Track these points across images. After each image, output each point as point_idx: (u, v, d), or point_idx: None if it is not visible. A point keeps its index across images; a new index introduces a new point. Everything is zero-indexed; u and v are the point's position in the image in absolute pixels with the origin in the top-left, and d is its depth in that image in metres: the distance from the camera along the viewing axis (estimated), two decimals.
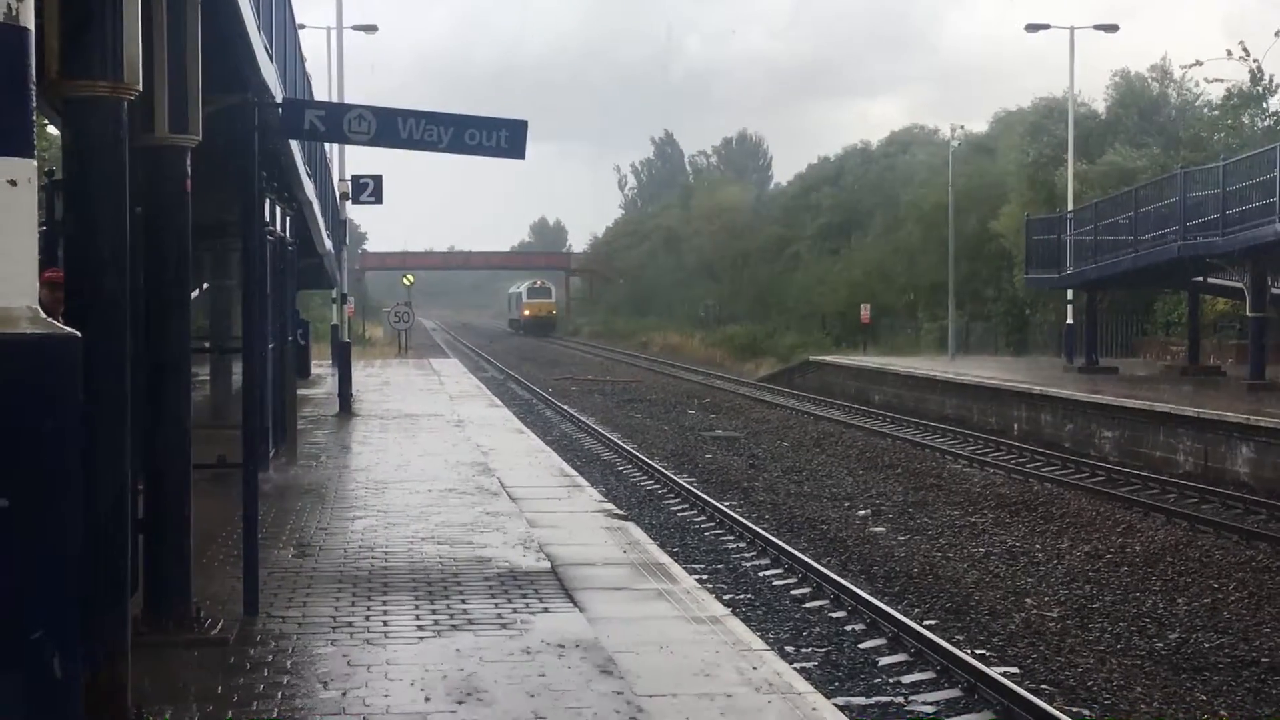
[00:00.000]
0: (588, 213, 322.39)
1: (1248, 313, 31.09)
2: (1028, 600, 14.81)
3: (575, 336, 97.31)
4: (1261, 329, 30.67)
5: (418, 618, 9.89)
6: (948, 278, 48.83)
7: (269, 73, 11.98)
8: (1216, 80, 53.83)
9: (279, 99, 12.42)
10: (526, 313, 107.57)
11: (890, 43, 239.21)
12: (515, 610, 10.17)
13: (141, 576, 8.94)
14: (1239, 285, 31.27)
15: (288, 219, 21.05)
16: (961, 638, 13.17)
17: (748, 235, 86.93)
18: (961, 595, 15.01)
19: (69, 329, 4.37)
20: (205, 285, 21.45)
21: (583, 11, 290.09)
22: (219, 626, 9.32)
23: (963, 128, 57.61)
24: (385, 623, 9.73)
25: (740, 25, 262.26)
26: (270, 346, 18.09)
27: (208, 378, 22.31)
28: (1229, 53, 48.67)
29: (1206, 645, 12.95)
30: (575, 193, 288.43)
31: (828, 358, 50.99)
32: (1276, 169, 28.11)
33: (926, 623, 13.57)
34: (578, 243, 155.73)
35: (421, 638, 9.33)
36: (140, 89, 7.47)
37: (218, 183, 12.68)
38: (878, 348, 55.10)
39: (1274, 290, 31.99)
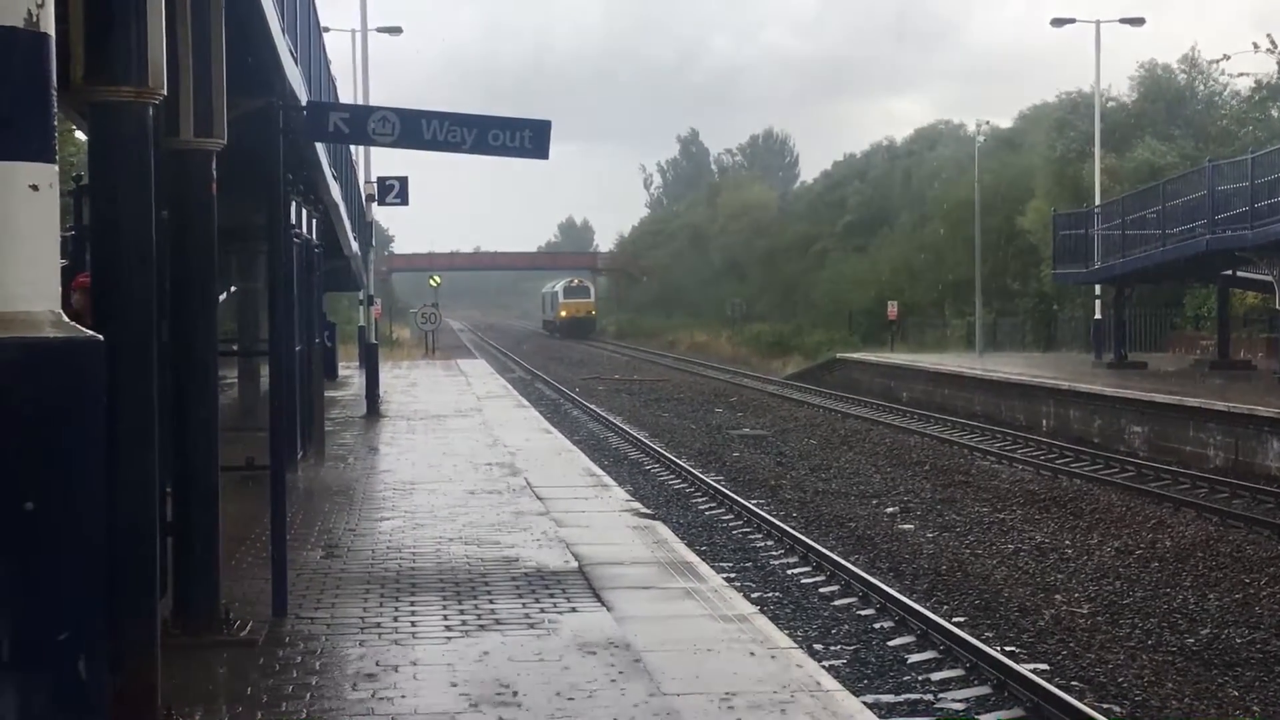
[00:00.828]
0: (614, 212, 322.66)
1: (1277, 306, 30.90)
2: (1057, 597, 14.75)
3: (602, 336, 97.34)
4: None
5: (445, 618, 9.90)
6: (975, 274, 48.70)
7: (294, 75, 12.01)
8: (1243, 74, 53.61)
9: (304, 101, 12.46)
10: (563, 314, 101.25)
11: (916, 39, 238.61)
12: (543, 610, 10.17)
13: (171, 579, 8.97)
14: (1268, 279, 31.07)
15: (314, 221, 21.12)
16: (991, 634, 13.13)
17: (774, 233, 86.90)
18: (990, 592, 14.95)
19: (92, 333, 4.39)
20: (232, 288, 21.52)
21: (608, 11, 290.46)
22: (248, 628, 9.35)
23: (988, 123, 57.48)
24: (413, 623, 9.74)
25: (766, 23, 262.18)
26: (297, 349, 18.13)
27: (235, 380, 22.37)
28: (1256, 46, 48.38)
29: (1238, 641, 12.87)
30: (602, 192, 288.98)
31: (855, 355, 50.90)
32: None
33: (955, 620, 13.52)
34: (604, 242, 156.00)
35: (449, 638, 9.34)
36: (164, 93, 7.49)
37: (244, 185, 12.71)
38: (905, 345, 54.99)
39: None
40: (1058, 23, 42.59)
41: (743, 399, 42.07)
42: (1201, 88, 53.61)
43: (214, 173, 9.45)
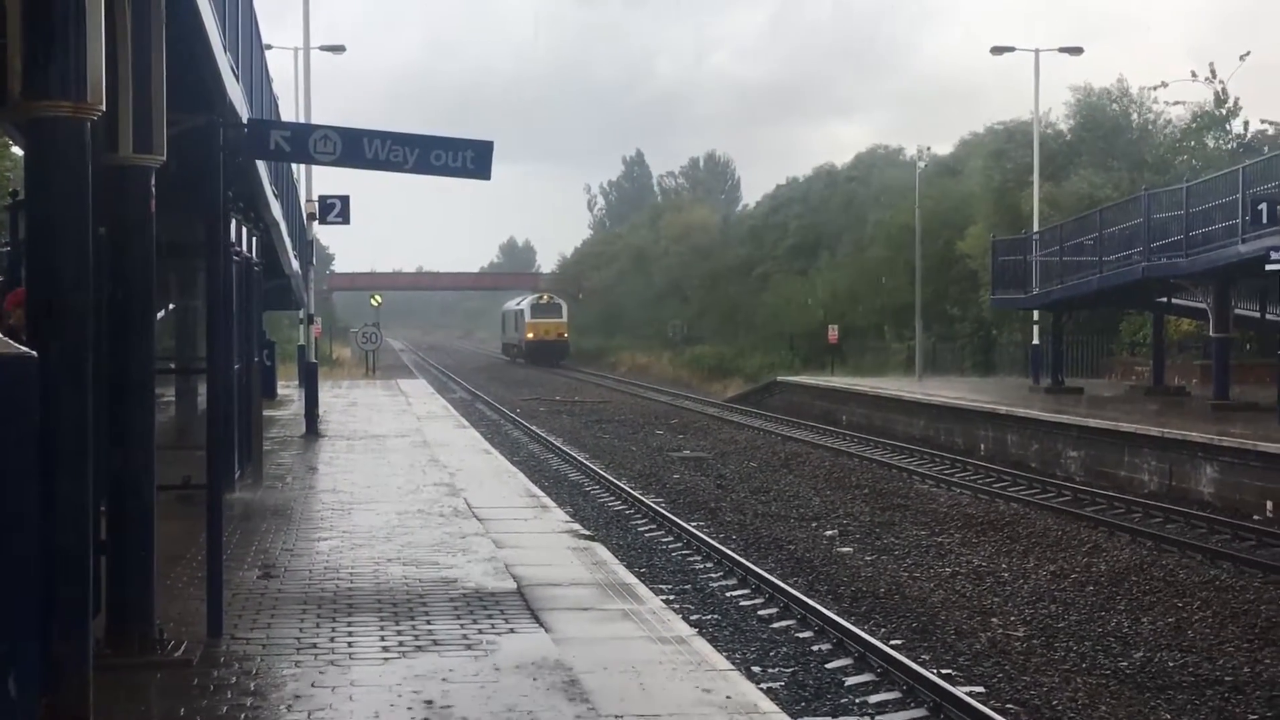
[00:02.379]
0: (557, 233, 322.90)
1: (1211, 333, 31.28)
2: (994, 620, 14.84)
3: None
4: (1225, 350, 30.87)
5: (383, 639, 9.85)
6: (915, 298, 49.03)
7: (235, 93, 11.96)
8: (1179, 103, 54.35)
9: (245, 119, 12.39)
10: (530, 336, 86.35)
11: (859, 65, 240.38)
12: (481, 631, 10.14)
13: (104, 598, 8.88)
14: (1203, 306, 31.48)
15: (254, 239, 20.99)
16: (928, 657, 13.19)
17: (716, 256, 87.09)
18: (928, 615, 15.03)
19: (24, 349, 4.36)
20: (170, 305, 21.34)
21: (553, 32, 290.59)
22: (182, 648, 9.27)
23: (929, 149, 57.88)
24: (350, 644, 9.69)
25: (712, 47, 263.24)
26: (236, 367, 18.01)
27: (173, 398, 22.18)
28: (1194, 74, 49.12)
29: (1171, 664, 13.01)
30: (544, 213, 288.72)
31: (795, 378, 51.10)
32: (1239, 191, 28.34)
33: (893, 642, 13.59)
34: (547, 263, 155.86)
35: (386, 659, 9.30)
36: (103, 108, 7.45)
37: (183, 202, 12.63)
38: (845, 368, 55.24)
39: (1237, 311, 32.23)
40: (997, 51, 43.02)
41: (683, 421, 42.13)
42: (1136, 117, 54.29)
43: (153, 189, 9.39)
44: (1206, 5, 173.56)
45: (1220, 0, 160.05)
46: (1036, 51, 42.67)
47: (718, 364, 66.68)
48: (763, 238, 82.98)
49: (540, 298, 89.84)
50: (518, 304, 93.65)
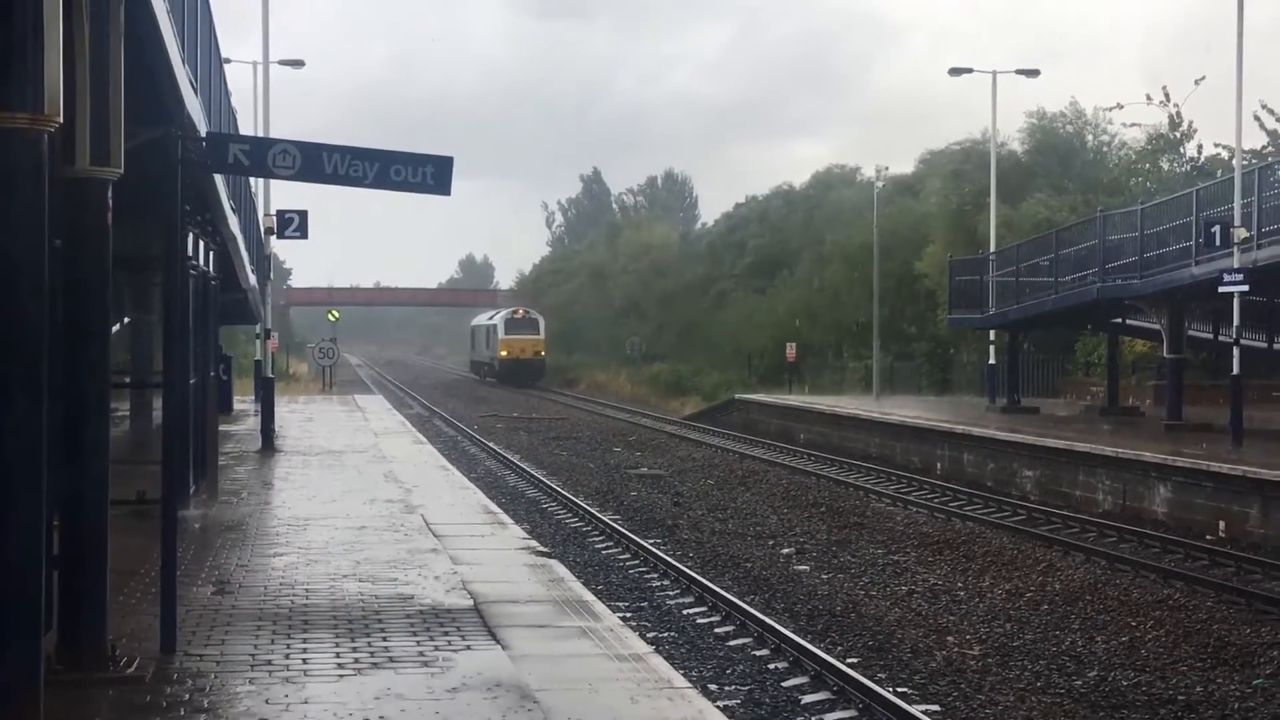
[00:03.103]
0: (516, 250, 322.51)
1: (1165, 354, 31.56)
2: (949, 638, 14.89)
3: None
4: (1178, 370, 31.13)
5: (338, 656, 9.80)
6: (873, 317, 49.20)
7: (193, 106, 11.90)
8: (1135, 125, 54.83)
9: (203, 132, 12.34)
10: (504, 353, 79.42)
11: (819, 84, 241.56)
12: (437, 648, 10.10)
13: (57, 613, 8.80)
14: (1157, 327, 31.74)
15: (211, 253, 20.89)
16: (884, 676, 13.22)
17: (674, 273, 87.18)
18: (884, 633, 15.07)
19: None
20: (126, 319, 21.21)
21: (514, 49, 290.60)
22: (135, 664, 9.19)
23: (887, 168, 58.00)
24: (305, 661, 9.63)
25: (672, 65, 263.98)
26: (192, 381, 17.91)
27: (128, 413, 22.04)
28: (1149, 97, 49.60)
29: (1124, 683, 13.08)
30: (504, 229, 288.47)
31: (753, 396, 51.18)
32: (1193, 213, 28.63)
33: (849, 660, 13.62)
34: (505, 280, 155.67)
35: (341, 676, 9.24)
36: (60, 120, 7.41)
37: (141, 215, 12.56)
38: (803, 386, 55.37)
39: (1191, 332, 32.51)
40: (955, 72, 43.24)
41: (641, 438, 42.13)
42: (1091, 139, 54.72)
43: (110, 202, 9.33)
44: (1162, 28, 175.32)
45: (1175, 24, 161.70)
46: (994, 73, 42.93)
47: (676, 381, 66.71)
48: (721, 256, 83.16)
49: (515, 312, 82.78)
50: (490, 318, 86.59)
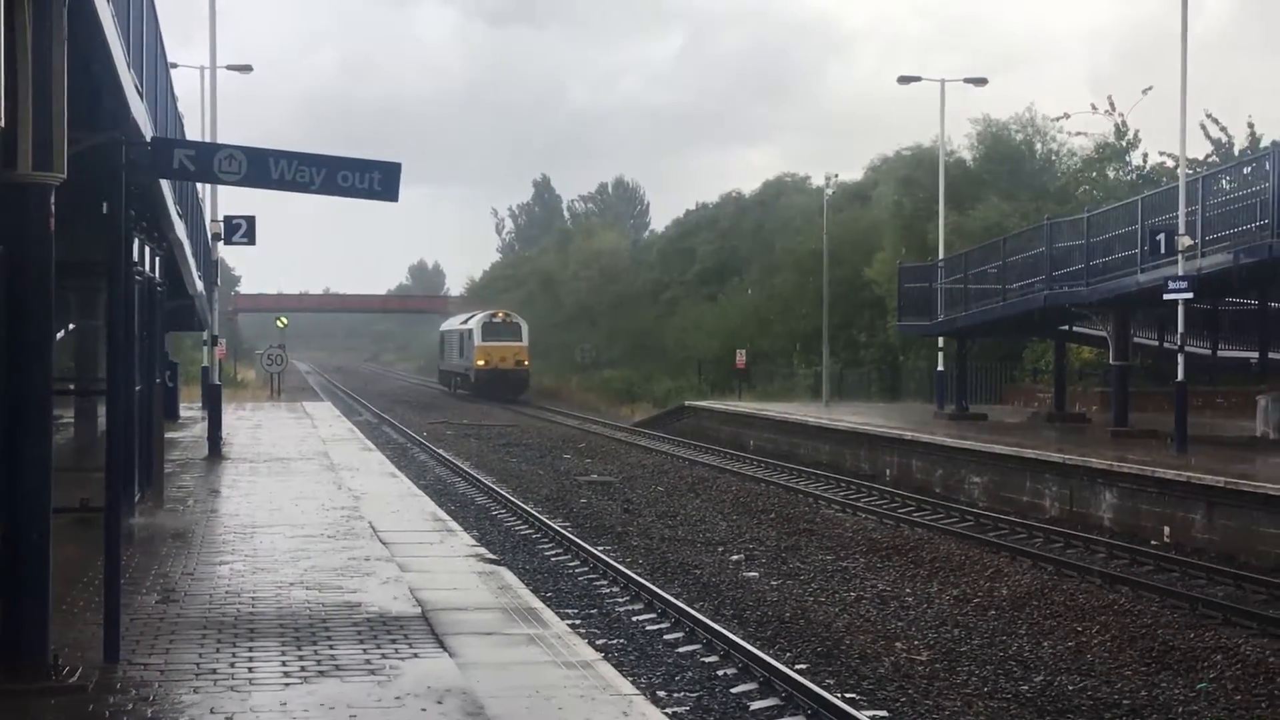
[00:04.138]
0: (466, 256, 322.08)
1: (1111, 361, 31.81)
2: (897, 644, 14.95)
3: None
4: (1124, 377, 31.38)
5: (284, 664, 9.72)
6: (822, 324, 49.38)
7: (139, 110, 11.80)
8: (1081, 134, 55.32)
9: (149, 137, 12.24)
10: (482, 362, 69.79)
11: (770, 92, 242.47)
12: (384, 656, 10.04)
13: None
14: (1103, 334, 31.99)
15: (157, 259, 20.72)
16: (832, 681, 13.26)
17: (625, 280, 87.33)
18: (833, 639, 15.11)
19: None
20: (70, 325, 21.02)
21: (465, 56, 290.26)
22: (78, 674, 9.09)
23: (837, 175, 58.37)
24: (250, 669, 9.55)
25: (623, 73, 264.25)
26: (137, 388, 17.75)
27: (72, 420, 21.83)
28: (1094, 107, 50.07)
29: (1070, 688, 13.16)
30: (454, 236, 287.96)
31: (703, 403, 51.26)
32: (1139, 221, 28.87)
33: (798, 667, 13.65)
34: (455, 286, 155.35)
35: (288, 684, 9.18)
36: (2, 125, 7.32)
37: (85, 220, 12.45)
38: (753, 393, 55.51)
39: (1137, 340, 32.80)
40: (904, 80, 43.44)
41: (591, 445, 42.10)
42: (1040, 146, 55.16)
43: (53, 207, 9.23)
44: (1108, 38, 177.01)
45: (1120, 34, 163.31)
46: (942, 82, 43.16)
47: (626, 388, 66.75)
48: (671, 263, 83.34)
49: (494, 315, 72.33)
50: (464, 322, 75.72)
